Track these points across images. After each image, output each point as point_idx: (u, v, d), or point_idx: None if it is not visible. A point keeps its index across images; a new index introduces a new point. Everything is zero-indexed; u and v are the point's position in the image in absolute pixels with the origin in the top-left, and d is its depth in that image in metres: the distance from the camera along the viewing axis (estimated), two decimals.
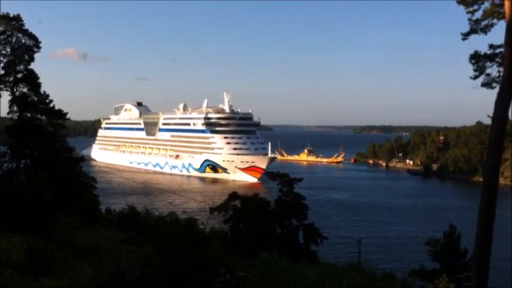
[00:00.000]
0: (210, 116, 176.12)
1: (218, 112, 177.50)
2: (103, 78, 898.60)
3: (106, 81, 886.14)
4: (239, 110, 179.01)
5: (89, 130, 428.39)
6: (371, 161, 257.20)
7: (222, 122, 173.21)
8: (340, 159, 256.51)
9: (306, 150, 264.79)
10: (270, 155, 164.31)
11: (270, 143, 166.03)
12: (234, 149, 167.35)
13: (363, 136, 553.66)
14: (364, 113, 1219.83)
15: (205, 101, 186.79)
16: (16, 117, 38.44)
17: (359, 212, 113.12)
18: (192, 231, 15.98)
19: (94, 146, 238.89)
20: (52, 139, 40.02)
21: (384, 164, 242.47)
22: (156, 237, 16.10)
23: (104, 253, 20.94)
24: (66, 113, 41.01)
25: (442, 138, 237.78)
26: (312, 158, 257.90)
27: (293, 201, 46.35)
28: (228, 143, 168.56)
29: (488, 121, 17.46)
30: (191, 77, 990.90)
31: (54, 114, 39.80)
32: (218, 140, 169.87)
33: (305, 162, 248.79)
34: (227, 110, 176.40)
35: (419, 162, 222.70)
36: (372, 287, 13.65)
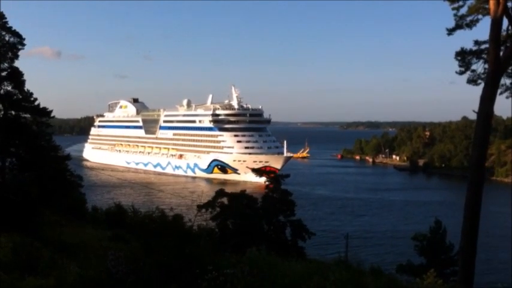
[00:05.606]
0: (218, 112, 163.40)
1: (227, 108, 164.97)
2: (82, 76, 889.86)
3: (86, 79, 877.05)
4: (249, 106, 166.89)
5: (75, 128, 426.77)
6: (358, 157, 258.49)
7: (231, 118, 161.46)
8: (305, 154, 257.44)
9: None
10: (285, 154, 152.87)
11: (285, 141, 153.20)
12: (246, 147, 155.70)
13: (350, 132, 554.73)
14: (351, 110, 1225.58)
15: (210, 97, 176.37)
16: (1, 116, 38.08)
17: (342, 206, 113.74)
18: (179, 228, 15.93)
19: (86, 145, 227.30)
20: (37, 137, 39.72)
21: (371, 160, 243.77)
22: (142, 234, 16.01)
23: (91, 251, 20.83)
24: (51, 111, 40.53)
25: (428, 133, 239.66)
26: None
27: (280, 198, 46.34)
28: (238, 142, 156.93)
29: (473, 116, 17.58)
30: (167, 75, 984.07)
31: (39, 112, 39.43)
32: (228, 138, 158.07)
33: None
34: (236, 106, 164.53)
35: (405, 158, 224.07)
36: (359, 282, 13.67)
